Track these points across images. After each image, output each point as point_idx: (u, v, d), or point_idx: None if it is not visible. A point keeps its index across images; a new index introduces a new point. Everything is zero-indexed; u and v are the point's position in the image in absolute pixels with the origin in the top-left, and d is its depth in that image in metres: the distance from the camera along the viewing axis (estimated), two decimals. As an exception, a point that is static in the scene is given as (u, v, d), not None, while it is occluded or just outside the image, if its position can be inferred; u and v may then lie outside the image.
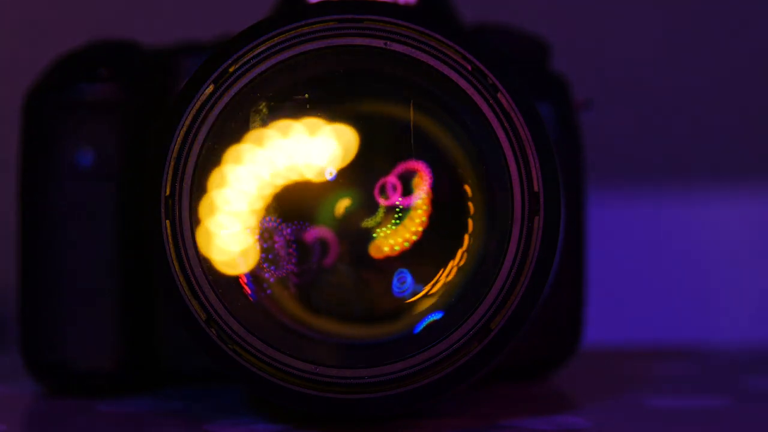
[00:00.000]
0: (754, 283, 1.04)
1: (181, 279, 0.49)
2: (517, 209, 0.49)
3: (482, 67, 0.49)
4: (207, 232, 0.50)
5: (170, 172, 0.50)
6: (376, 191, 0.51)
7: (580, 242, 0.62)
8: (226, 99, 0.50)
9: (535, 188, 0.49)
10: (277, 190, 0.51)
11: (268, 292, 0.51)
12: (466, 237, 0.51)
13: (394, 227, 0.51)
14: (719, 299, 1.04)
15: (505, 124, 0.49)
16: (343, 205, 0.51)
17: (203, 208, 0.50)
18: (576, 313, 0.62)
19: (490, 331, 0.49)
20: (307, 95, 0.51)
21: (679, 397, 0.59)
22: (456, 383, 0.49)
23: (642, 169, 1.09)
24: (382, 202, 0.51)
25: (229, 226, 0.50)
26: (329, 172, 0.51)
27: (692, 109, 1.09)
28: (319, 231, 0.51)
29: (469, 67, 0.49)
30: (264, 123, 0.51)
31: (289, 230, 0.51)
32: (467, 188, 0.51)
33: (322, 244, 0.51)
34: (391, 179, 0.51)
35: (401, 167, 0.51)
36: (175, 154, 0.50)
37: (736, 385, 0.63)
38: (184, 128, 0.50)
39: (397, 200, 0.51)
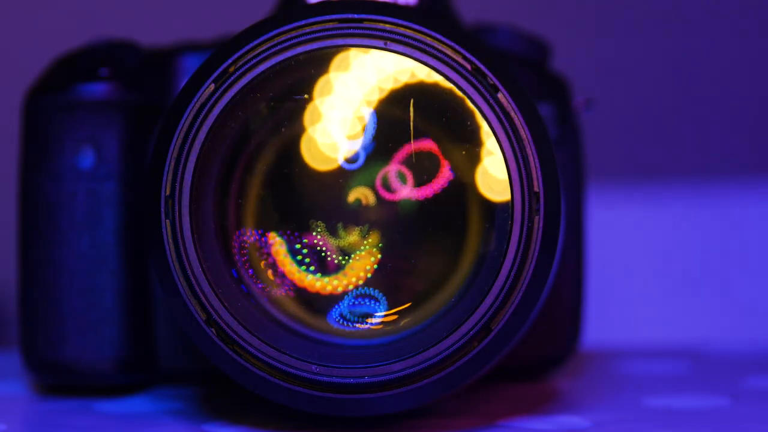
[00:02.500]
0: (754, 283, 1.04)
1: (181, 279, 0.49)
2: (517, 209, 0.49)
3: (482, 67, 0.49)
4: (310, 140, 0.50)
5: (170, 172, 0.50)
6: (378, 183, 0.51)
7: (580, 242, 0.62)
8: (226, 99, 0.50)
9: (535, 188, 0.49)
10: (386, 94, 0.50)
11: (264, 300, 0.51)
12: (466, 237, 0.51)
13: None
14: (719, 299, 1.04)
15: (505, 124, 0.49)
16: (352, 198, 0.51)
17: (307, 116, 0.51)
18: (576, 313, 0.62)
19: (490, 331, 0.49)
20: (306, 96, 0.51)
21: (678, 397, 0.59)
22: (456, 383, 0.49)
23: (642, 169, 1.09)
24: (387, 196, 0.51)
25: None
26: (352, 157, 0.51)
27: (692, 109, 1.09)
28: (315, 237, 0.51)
29: (469, 67, 0.49)
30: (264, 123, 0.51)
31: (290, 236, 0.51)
32: (467, 188, 0.51)
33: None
34: (394, 167, 0.51)
35: (405, 151, 0.51)
36: (175, 154, 0.50)
37: (735, 385, 0.63)
38: (184, 128, 0.50)
39: (406, 193, 0.51)
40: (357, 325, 0.51)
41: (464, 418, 0.54)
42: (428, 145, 0.51)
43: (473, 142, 0.50)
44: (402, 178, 0.51)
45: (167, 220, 0.49)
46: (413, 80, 0.50)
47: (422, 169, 0.51)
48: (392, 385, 0.49)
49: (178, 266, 0.49)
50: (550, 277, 0.50)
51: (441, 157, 0.51)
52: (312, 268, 0.51)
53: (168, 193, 0.50)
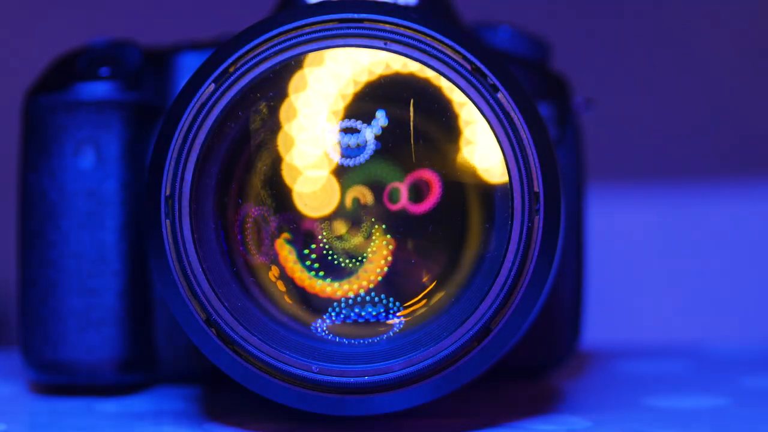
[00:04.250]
0: (754, 283, 1.04)
1: (182, 279, 0.49)
2: (517, 209, 0.49)
3: (482, 67, 0.49)
4: (287, 137, 0.50)
5: (170, 172, 0.50)
6: (386, 197, 0.51)
7: (580, 242, 0.62)
8: (226, 99, 0.50)
9: (535, 188, 0.49)
10: (360, 87, 0.51)
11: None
12: (467, 237, 0.51)
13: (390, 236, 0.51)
14: (719, 299, 1.04)
15: (505, 124, 0.49)
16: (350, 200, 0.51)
17: (283, 112, 0.50)
18: (575, 313, 0.62)
19: (490, 331, 0.49)
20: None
21: (678, 397, 0.59)
22: (456, 383, 0.49)
23: (642, 169, 1.10)
24: (391, 207, 0.51)
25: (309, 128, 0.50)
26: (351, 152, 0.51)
27: (692, 109, 1.09)
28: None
29: (469, 67, 0.49)
30: (264, 123, 0.51)
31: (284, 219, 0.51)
32: (468, 188, 0.51)
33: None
34: (402, 186, 0.51)
35: (413, 176, 0.51)
36: (175, 154, 0.50)
37: (735, 385, 0.63)
38: (184, 128, 0.50)
39: (405, 206, 0.51)
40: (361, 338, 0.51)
41: (464, 418, 0.54)
42: (424, 173, 0.51)
43: (452, 131, 0.50)
44: (401, 193, 0.51)
45: (167, 220, 0.49)
46: (388, 71, 0.50)
47: (418, 189, 0.51)
48: (392, 385, 0.49)
49: (178, 266, 0.49)
50: (550, 277, 0.50)
51: (433, 181, 0.51)
52: (322, 273, 0.51)
53: (168, 193, 0.50)
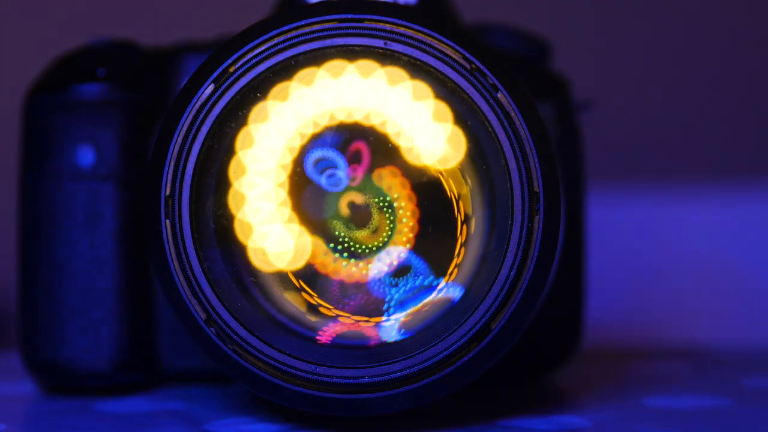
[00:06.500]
0: (754, 283, 1.04)
1: (181, 279, 0.49)
2: (517, 209, 0.49)
3: (482, 67, 0.49)
4: (237, 194, 0.50)
5: (170, 172, 0.50)
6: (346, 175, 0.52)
7: (580, 242, 0.62)
8: (226, 99, 0.50)
9: (535, 188, 0.49)
10: (307, 140, 0.51)
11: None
12: (466, 237, 0.51)
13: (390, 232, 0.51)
14: (719, 299, 1.04)
15: (505, 124, 0.49)
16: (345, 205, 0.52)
17: (232, 169, 0.50)
18: (576, 313, 0.62)
19: (490, 331, 0.49)
20: None
21: (679, 397, 0.59)
22: (456, 383, 0.49)
23: (642, 169, 1.09)
24: (352, 183, 0.51)
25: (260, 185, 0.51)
26: (335, 182, 0.51)
27: (692, 109, 1.09)
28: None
29: (469, 67, 0.49)
30: None
31: None
32: (468, 188, 0.51)
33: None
34: (351, 167, 0.51)
35: (350, 151, 0.51)
36: (175, 154, 0.50)
37: (736, 385, 0.63)
38: (184, 128, 0.50)
39: (354, 175, 0.51)
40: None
41: (464, 418, 0.53)
42: (354, 146, 0.51)
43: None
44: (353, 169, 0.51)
45: (167, 220, 0.49)
46: (349, 120, 0.51)
47: (355, 158, 0.51)
48: (392, 385, 0.49)
49: (178, 266, 0.49)
50: (550, 277, 0.50)
51: (361, 147, 0.51)
52: (345, 254, 0.51)
53: (168, 193, 0.50)
